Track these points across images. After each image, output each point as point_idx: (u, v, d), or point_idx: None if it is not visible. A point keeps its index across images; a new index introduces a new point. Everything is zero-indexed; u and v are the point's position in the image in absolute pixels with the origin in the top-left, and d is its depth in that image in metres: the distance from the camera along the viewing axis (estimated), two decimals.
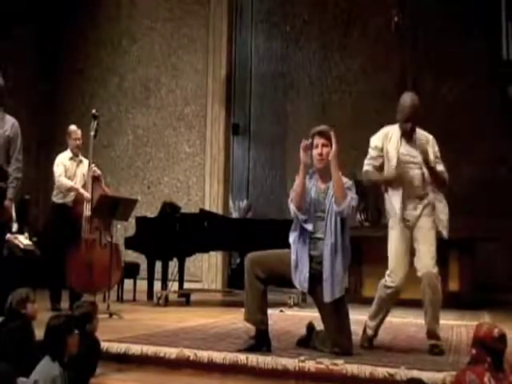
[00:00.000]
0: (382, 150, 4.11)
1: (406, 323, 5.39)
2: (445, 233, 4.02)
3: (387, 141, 4.11)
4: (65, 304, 5.91)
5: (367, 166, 4.17)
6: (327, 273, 3.70)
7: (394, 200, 4.07)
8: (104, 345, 3.73)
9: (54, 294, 5.99)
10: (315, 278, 3.74)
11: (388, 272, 4.02)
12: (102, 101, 9.66)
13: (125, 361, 3.76)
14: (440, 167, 4.06)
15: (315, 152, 3.83)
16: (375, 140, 4.18)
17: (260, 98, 10.20)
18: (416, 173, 4.04)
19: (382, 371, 3.23)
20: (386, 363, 3.38)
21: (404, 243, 4.00)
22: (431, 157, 4.00)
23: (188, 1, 9.44)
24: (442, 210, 4.04)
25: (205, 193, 9.07)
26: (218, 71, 9.19)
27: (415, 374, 3.16)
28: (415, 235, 4.00)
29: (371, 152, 4.17)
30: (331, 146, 3.81)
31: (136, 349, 3.78)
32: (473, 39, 8.55)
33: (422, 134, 4.14)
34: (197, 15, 9.37)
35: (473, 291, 7.05)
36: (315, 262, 3.76)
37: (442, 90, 8.62)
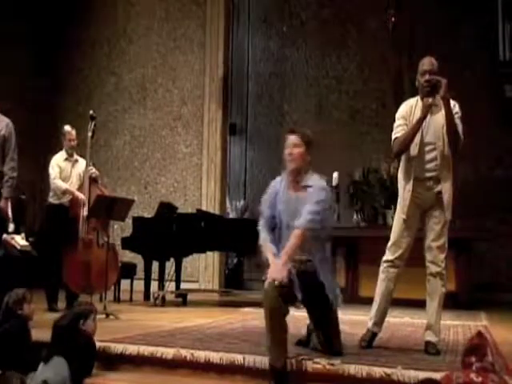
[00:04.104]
0: (406, 120, 4.01)
1: (403, 323, 5.40)
2: (447, 214, 3.93)
3: (411, 115, 4.01)
4: (61, 304, 5.91)
5: (397, 133, 4.03)
6: None
7: (406, 178, 3.99)
8: (100, 345, 3.72)
9: (50, 294, 5.99)
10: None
11: (388, 246, 4.01)
12: (99, 101, 9.65)
13: (121, 361, 3.76)
14: (458, 124, 3.93)
15: (286, 151, 3.66)
16: (401, 112, 4.08)
17: (257, 98, 10.20)
18: (432, 155, 3.93)
19: (378, 371, 3.23)
20: (383, 363, 3.38)
21: (410, 220, 3.95)
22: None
23: (185, 1, 9.44)
24: (447, 189, 3.93)
25: (202, 193, 9.07)
26: (214, 71, 9.19)
27: (412, 373, 3.16)
28: (427, 224, 3.95)
29: (398, 121, 4.05)
30: (306, 146, 3.63)
31: (133, 349, 3.77)
32: (470, 39, 8.57)
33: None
34: (194, 15, 9.37)
35: (469, 291, 7.06)
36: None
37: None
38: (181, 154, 9.28)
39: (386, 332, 4.65)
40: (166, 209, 7.39)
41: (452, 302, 6.34)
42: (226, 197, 9.50)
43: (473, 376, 2.48)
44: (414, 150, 3.96)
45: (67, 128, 6.32)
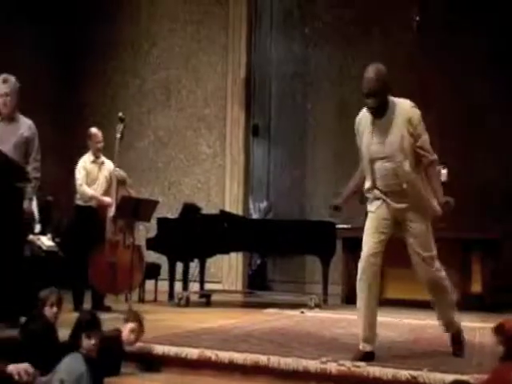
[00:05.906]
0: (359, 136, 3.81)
1: (425, 325, 5.34)
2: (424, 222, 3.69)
3: (359, 133, 3.79)
4: (87, 305, 5.96)
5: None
6: None
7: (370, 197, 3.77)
8: None
9: (76, 295, 6.05)
10: None
11: None
12: (124, 102, 9.71)
13: (147, 361, 3.79)
14: (424, 150, 3.60)
15: None
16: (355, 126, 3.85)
17: (280, 99, 10.19)
18: (386, 167, 3.63)
19: (404, 374, 3.22)
20: (410, 365, 3.36)
21: (377, 222, 3.69)
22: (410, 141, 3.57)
23: (207, 3, 9.47)
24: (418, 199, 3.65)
25: (225, 194, 9.08)
26: (237, 72, 9.21)
27: (438, 376, 3.14)
28: (407, 237, 3.71)
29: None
30: None
31: (158, 349, 3.80)
32: (495, 38, 8.44)
33: (401, 108, 3.63)
34: (216, 17, 9.40)
35: (496, 293, 6.97)
36: None
37: (470, 89, 8.46)
38: (204, 155, 9.31)
39: (411, 334, 4.63)
40: (190, 210, 7.43)
41: (478, 304, 6.28)
42: (249, 198, 9.51)
43: None
44: (367, 166, 3.72)
45: (94, 130, 6.38)
